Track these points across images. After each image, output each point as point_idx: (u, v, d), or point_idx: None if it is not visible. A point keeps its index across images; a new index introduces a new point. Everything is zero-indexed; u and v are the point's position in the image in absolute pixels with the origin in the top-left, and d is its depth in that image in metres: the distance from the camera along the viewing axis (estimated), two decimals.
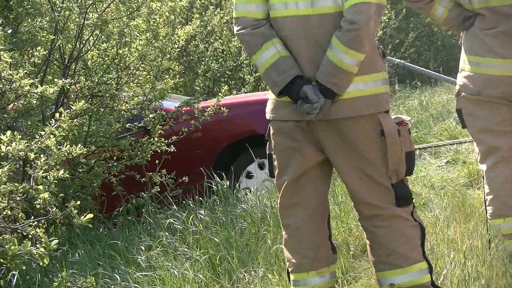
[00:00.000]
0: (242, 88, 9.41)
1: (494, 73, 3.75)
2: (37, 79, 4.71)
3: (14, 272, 3.96)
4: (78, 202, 3.52)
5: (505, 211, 3.75)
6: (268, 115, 3.21)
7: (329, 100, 3.00)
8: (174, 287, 3.86)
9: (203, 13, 10.06)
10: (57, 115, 3.66)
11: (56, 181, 3.50)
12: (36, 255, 3.33)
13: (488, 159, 3.77)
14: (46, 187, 3.45)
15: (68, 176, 3.71)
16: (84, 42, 5.76)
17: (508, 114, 3.80)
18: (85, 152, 4.21)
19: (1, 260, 3.37)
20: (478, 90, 3.77)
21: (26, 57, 5.49)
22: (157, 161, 5.76)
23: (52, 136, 3.59)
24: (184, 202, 5.33)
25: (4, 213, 3.57)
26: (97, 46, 5.91)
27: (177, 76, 6.16)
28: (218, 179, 5.45)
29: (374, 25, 2.98)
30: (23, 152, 3.44)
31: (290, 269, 3.25)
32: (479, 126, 3.76)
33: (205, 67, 9.30)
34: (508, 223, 3.75)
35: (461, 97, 3.86)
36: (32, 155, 3.49)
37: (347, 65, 2.97)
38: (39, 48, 4.60)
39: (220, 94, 6.01)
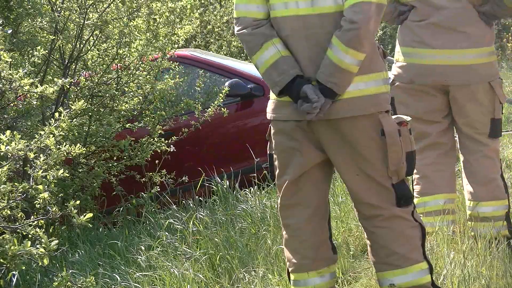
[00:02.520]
0: None
1: (426, 63, 3.98)
2: (37, 79, 4.71)
3: (14, 272, 3.96)
4: (78, 202, 3.52)
5: (432, 190, 4.01)
6: (268, 115, 3.21)
7: (330, 99, 3.00)
8: (174, 287, 3.86)
9: (203, 13, 10.05)
10: (56, 115, 3.66)
11: (55, 181, 3.50)
12: (36, 255, 3.32)
13: (417, 143, 3.89)
14: (46, 186, 3.45)
15: (68, 176, 3.71)
16: (84, 42, 5.76)
17: (438, 104, 4.03)
18: (85, 152, 4.20)
19: (1, 260, 3.36)
20: (411, 79, 4.00)
21: (26, 57, 5.48)
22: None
23: (51, 135, 3.59)
24: (184, 202, 5.33)
25: (4, 213, 3.57)
26: (97, 46, 5.90)
27: (177, 76, 6.13)
28: (218, 179, 5.45)
29: (374, 25, 2.98)
30: (22, 152, 3.44)
31: (290, 269, 3.25)
32: (410, 114, 3.80)
33: None
34: (434, 200, 4.02)
35: (395, 86, 4.07)
36: (31, 155, 3.49)
37: (348, 64, 2.97)
38: (39, 48, 4.59)
39: (220, 94, 6.01)
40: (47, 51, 5.42)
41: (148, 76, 5.89)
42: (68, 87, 5.31)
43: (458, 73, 3.94)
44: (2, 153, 3.42)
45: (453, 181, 4.14)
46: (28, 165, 3.57)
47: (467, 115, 4.01)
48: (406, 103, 4.04)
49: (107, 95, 5.76)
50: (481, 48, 3.98)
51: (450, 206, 4.07)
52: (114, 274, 4.09)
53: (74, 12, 5.69)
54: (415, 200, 4.00)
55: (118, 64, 5.85)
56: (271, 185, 5.23)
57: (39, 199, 3.44)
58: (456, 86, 3.96)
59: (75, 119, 5.21)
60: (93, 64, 5.86)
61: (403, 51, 4.07)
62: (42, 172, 3.46)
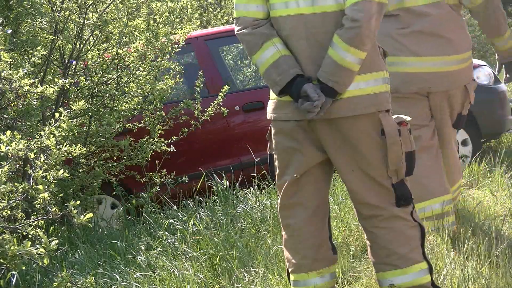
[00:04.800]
0: None
1: (410, 71, 4.01)
2: (37, 79, 4.71)
3: (14, 272, 3.96)
4: (78, 202, 3.52)
5: (426, 195, 4.00)
6: (269, 115, 3.21)
7: (330, 98, 3.00)
8: (174, 287, 3.86)
9: (203, 12, 10.05)
10: (57, 115, 3.66)
11: (55, 181, 3.50)
12: (36, 255, 3.33)
13: None
14: (46, 187, 3.45)
15: (68, 176, 3.71)
16: (84, 42, 5.76)
17: (425, 108, 4.08)
18: (85, 152, 4.21)
19: (1, 260, 3.37)
20: (396, 88, 3.96)
21: (26, 57, 5.48)
22: None
23: (51, 136, 3.59)
24: (184, 202, 5.34)
25: (4, 213, 3.57)
26: (97, 46, 5.90)
27: (178, 76, 6.14)
28: (218, 179, 5.46)
29: (375, 23, 2.98)
30: (22, 152, 3.44)
31: (290, 270, 3.25)
32: None
33: None
34: (429, 205, 4.02)
35: None
36: (31, 155, 3.49)
37: (349, 63, 2.97)
38: (39, 48, 4.60)
39: (220, 93, 6.01)
40: (47, 51, 5.43)
41: (148, 76, 5.89)
42: (68, 87, 5.30)
43: (442, 80, 4.02)
44: (2, 153, 3.42)
45: (444, 179, 4.16)
46: (28, 165, 3.58)
47: (443, 113, 4.13)
48: (394, 111, 4.06)
49: (107, 95, 5.76)
50: (463, 54, 4.07)
51: (449, 208, 4.07)
52: (114, 274, 4.09)
53: (74, 12, 5.69)
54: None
55: (118, 64, 5.86)
56: (271, 185, 5.23)
57: (39, 199, 3.44)
58: (438, 91, 4.07)
59: (75, 119, 5.21)
60: (93, 64, 5.86)
61: (387, 61, 4.10)
62: (42, 172, 3.46)
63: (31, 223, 3.63)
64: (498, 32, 4.20)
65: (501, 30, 4.19)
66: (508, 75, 4.41)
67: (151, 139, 5.88)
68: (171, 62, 6.03)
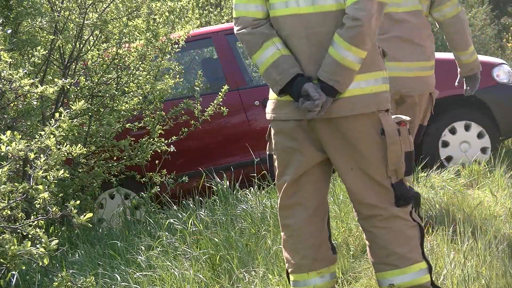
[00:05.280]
0: None
1: (390, 75, 4.13)
2: (37, 79, 4.71)
3: (14, 272, 3.96)
4: (78, 202, 3.52)
5: None
6: (268, 115, 3.20)
7: (331, 98, 3.00)
8: (174, 287, 3.86)
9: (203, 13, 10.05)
10: (57, 115, 3.66)
11: (56, 181, 3.50)
12: (36, 255, 3.33)
13: None
14: (46, 187, 3.45)
15: (68, 176, 3.71)
16: (84, 42, 5.77)
17: (397, 111, 4.16)
18: (85, 152, 4.21)
19: (1, 260, 3.37)
20: None
21: (26, 57, 5.49)
22: None
23: (52, 136, 3.59)
24: (184, 202, 5.34)
25: (4, 213, 3.57)
26: (97, 46, 5.91)
27: (177, 76, 6.14)
28: (218, 179, 5.46)
29: (376, 23, 2.98)
30: (23, 152, 3.44)
31: (289, 270, 3.25)
32: None
33: None
34: None
35: None
36: (32, 155, 3.49)
37: (350, 62, 2.97)
38: (39, 48, 4.60)
39: (220, 93, 6.01)
40: (47, 51, 5.43)
41: (148, 76, 5.90)
42: (68, 87, 5.30)
43: (415, 84, 4.20)
44: (2, 153, 3.42)
45: None
46: (28, 165, 3.58)
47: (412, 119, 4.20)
48: None
49: (107, 95, 5.76)
50: (431, 61, 4.29)
51: None
52: (114, 274, 4.09)
53: (74, 12, 5.69)
54: None
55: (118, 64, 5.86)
56: (271, 185, 5.23)
57: (39, 199, 3.44)
58: (410, 96, 4.21)
59: (75, 119, 5.21)
60: (93, 64, 5.86)
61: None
62: (42, 173, 3.46)
63: (31, 223, 3.63)
64: (464, 46, 4.39)
65: (468, 44, 4.38)
66: (468, 88, 4.59)
67: (151, 139, 5.89)
68: (187, 57, 6.08)
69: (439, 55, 6.95)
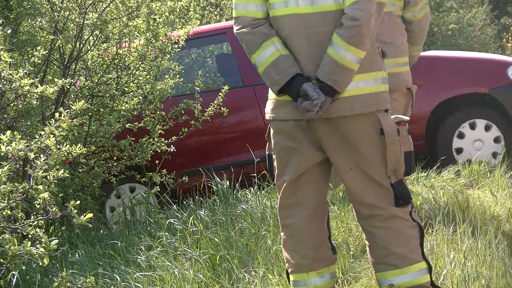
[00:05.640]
0: None
1: None
2: (37, 79, 4.71)
3: (14, 272, 3.96)
4: (78, 202, 3.52)
5: None
6: (267, 115, 3.21)
7: (329, 97, 3.00)
8: (174, 287, 3.86)
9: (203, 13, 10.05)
10: (57, 115, 3.66)
11: (56, 181, 3.50)
12: (36, 255, 3.33)
13: None
14: (46, 187, 3.45)
15: (68, 176, 3.71)
16: (84, 42, 5.76)
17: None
18: (85, 152, 4.21)
19: (1, 260, 3.37)
20: None
21: (26, 57, 5.49)
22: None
23: (51, 136, 3.59)
24: (184, 202, 5.34)
25: (4, 213, 3.57)
26: (97, 46, 5.91)
27: (177, 76, 6.14)
28: (218, 179, 5.46)
29: (375, 23, 2.98)
30: (22, 152, 3.44)
31: (289, 270, 3.25)
32: None
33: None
34: None
35: None
36: (31, 155, 3.49)
37: (348, 61, 2.97)
38: (39, 48, 4.60)
39: (220, 93, 6.01)
40: (47, 51, 5.43)
41: (148, 76, 5.90)
42: (68, 87, 5.31)
43: (394, 79, 4.40)
44: (2, 153, 3.42)
45: None
46: (28, 165, 3.58)
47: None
48: None
49: (107, 95, 5.76)
50: (405, 58, 4.64)
51: None
52: (114, 274, 4.09)
53: (74, 12, 5.69)
54: None
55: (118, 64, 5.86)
56: (271, 185, 5.23)
57: (39, 199, 3.44)
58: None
59: (75, 119, 5.21)
60: (93, 64, 5.86)
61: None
62: (42, 172, 3.46)
63: (31, 223, 3.64)
64: (421, 42, 4.86)
65: (423, 40, 4.89)
66: None
67: (151, 139, 5.89)
68: (198, 53, 6.09)
69: (463, 54, 7.01)
